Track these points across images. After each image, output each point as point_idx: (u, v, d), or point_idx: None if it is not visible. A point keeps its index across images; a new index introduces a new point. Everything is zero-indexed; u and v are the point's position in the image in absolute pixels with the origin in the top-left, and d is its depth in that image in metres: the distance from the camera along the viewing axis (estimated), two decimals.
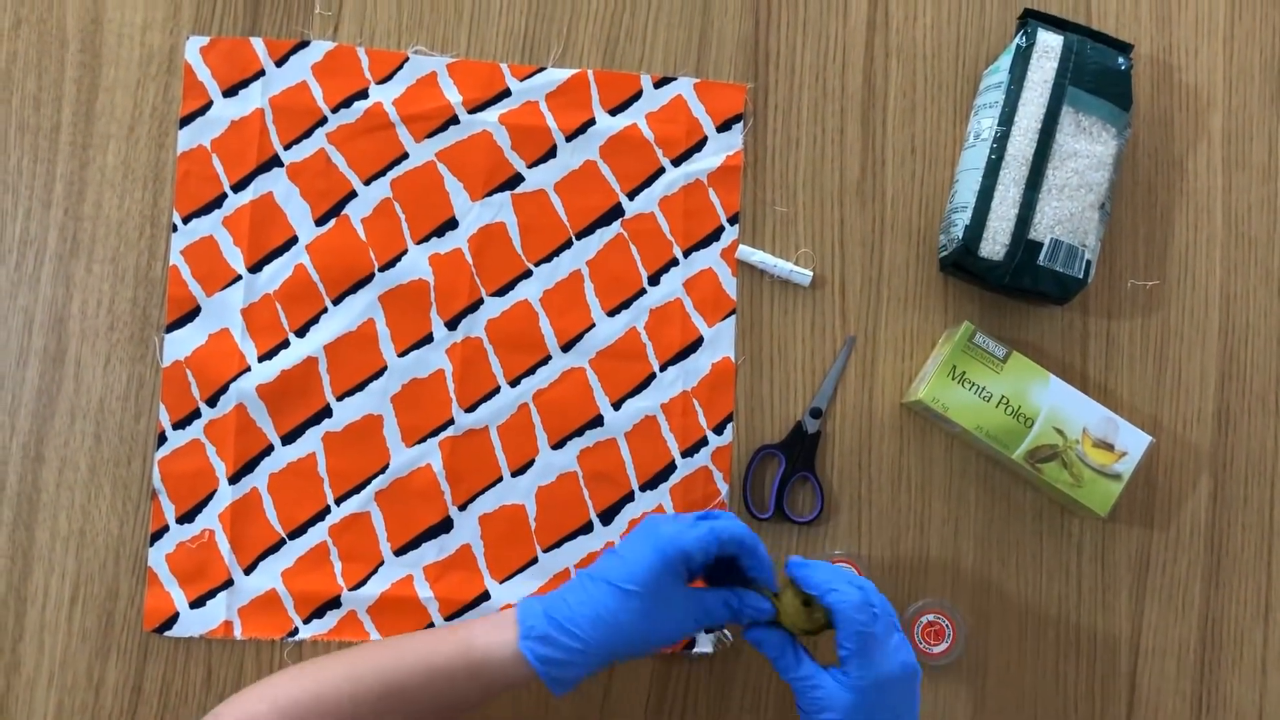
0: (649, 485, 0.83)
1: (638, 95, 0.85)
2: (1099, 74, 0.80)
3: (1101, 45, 0.81)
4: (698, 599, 0.69)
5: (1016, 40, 0.81)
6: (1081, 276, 0.80)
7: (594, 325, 0.84)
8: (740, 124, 0.85)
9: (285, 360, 0.82)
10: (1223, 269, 0.86)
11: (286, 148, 0.84)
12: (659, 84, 0.86)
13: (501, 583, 0.81)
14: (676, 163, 0.85)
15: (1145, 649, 0.83)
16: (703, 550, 0.67)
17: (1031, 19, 0.82)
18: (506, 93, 0.85)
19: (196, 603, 0.80)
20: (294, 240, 0.83)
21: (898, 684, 0.67)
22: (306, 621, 0.80)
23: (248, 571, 0.80)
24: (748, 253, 0.84)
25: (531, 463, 0.83)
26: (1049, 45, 0.80)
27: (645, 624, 0.66)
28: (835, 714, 0.66)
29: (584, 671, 0.67)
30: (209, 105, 0.83)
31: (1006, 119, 0.80)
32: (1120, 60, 0.81)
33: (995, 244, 0.79)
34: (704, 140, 0.85)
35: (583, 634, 0.66)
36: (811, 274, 0.84)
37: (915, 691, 0.68)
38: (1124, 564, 0.83)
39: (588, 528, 0.82)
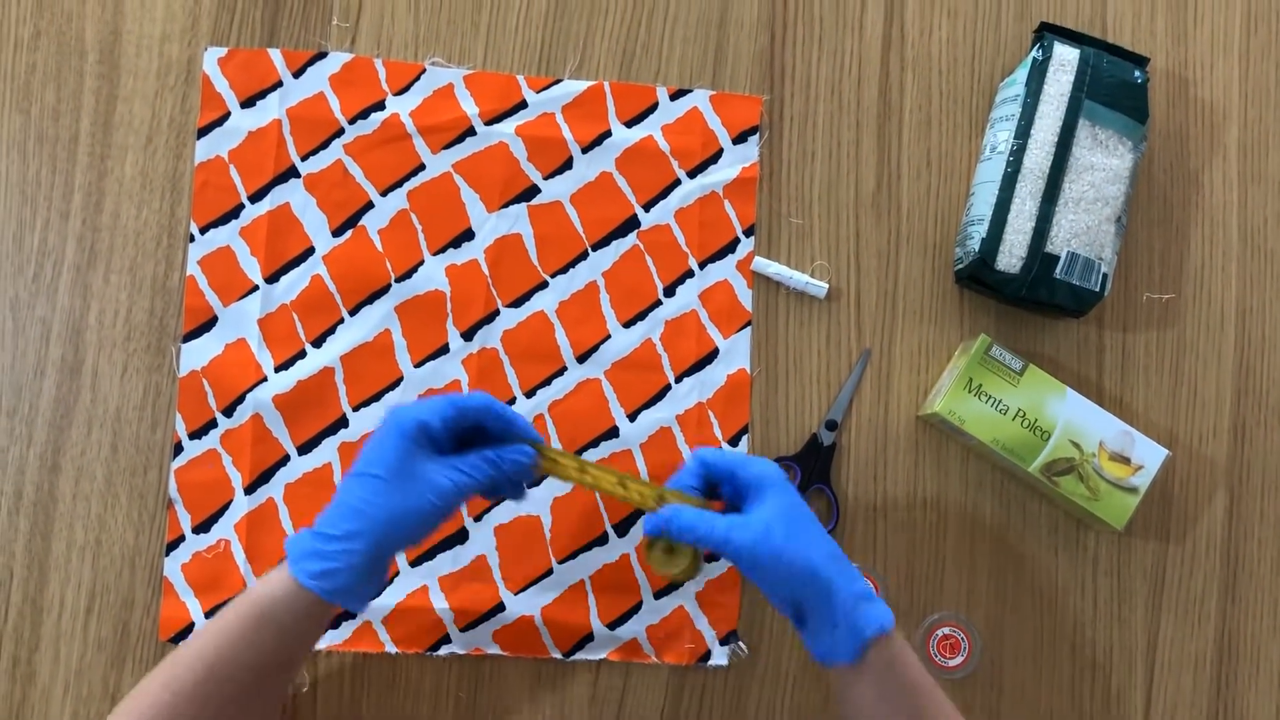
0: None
1: (654, 107, 0.86)
2: (1115, 87, 0.80)
3: (1117, 59, 0.82)
4: (452, 462, 0.67)
5: (1033, 54, 0.81)
6: (1098, 290, 0.80)
7: (609, 336, 0.84)
8: (756, 136, 0.86)
9: (302, 370, 0.82)
10: (1238, 283, 0.86)
11: (304, 158, 0.84)
12: (675, 96, 0.86)
13: (516, 594, 0.81)
14: (692, 174, 0.85)
15: (1161, 663, 0.83)
16: (437, 415, 0.67)
17: (1048, 32, 0.82)
18: (523, 104, 0.85)
19: (212, 613, 0.80)
20: (311, 251, 0.83)
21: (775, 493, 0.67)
22: None
23: None
24: (764, 264, 0.84)
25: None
26: (1065, 59, 0.80)
27: (400, 501, 0.65)
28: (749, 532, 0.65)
29: (359, 576, 0.64)
30: (226, 116, 0.84)
31: (1023, 132, 0.80)
32: (1136, 74, 0.81)
33: (1012, 257, 0.79)
34: (720, 152, 0.86)
35: (340, 532, 0.64)
36: (827, 286, 0.84)
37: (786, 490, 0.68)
38: (1140, 577, 0.83)
39: (603, 539, 0.82)
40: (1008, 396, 0.80)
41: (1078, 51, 0.80)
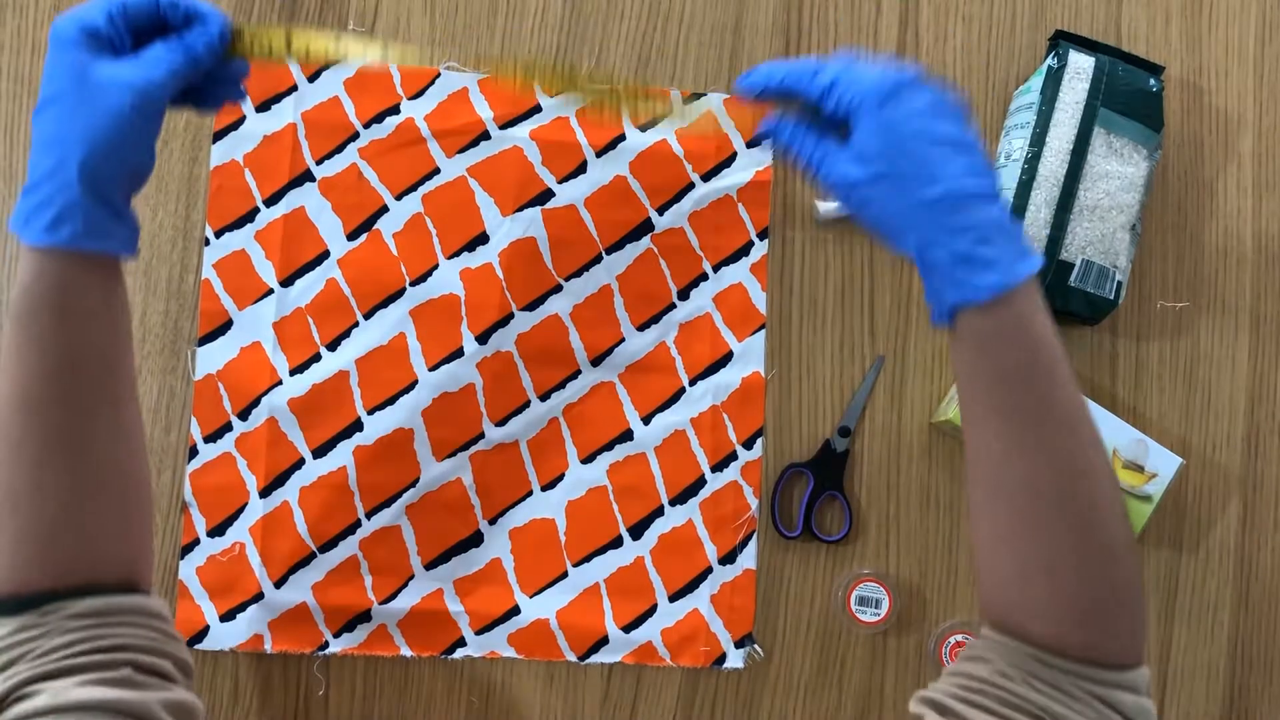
0: (678, 500, 0.83)
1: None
2: (1130, 96, 0.80)
3: (1132, 67, 0.82)
4: (135, 55, 0.56)
5: (1048, 62, 0.81)
6: (1112, 298, 0.80)
7: (624, 340, 0.84)
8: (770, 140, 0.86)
9: (317, 374, 0.82)
10: (1252, 292, 0.86)
11: (318, 162, 0.84)
12: (689, 100, 0.86)
13: (531, 597, 0.81)
14: (706, 178, 0.85)
15: (1175, 671, 0.83)
16: (101, 14, 0.55)
17: (1063, 40, 0.82)
18: (537, 108, 0.85)
19: (227, 616, 0.80)
20: (326, 254, 0.83)
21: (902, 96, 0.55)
22: (337, 635, 0.80)
23: (278, 585, 0.80)
24: (827, 208, 0.84)
25: (561, 477, 0.83)
26: (1081, 67, 0.80)
27: (89, 113, 0.54)
28: (856, 165, 0.55)
29: (92, 210, 0.54)
30: (242, 120, 0.84)
31: (1038, 140, 0.80)
32: (1151, 82, 0.81)
33: None
34: (734, 156, 0.86)
35: (44, 171, 0.54)
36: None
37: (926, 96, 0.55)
38: (1153, 586, 0.83)
39: (617, 542, 0.82)
40: None
41: (1093, 59, 0.81)
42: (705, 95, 0.86)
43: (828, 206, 0.84)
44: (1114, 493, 0.54)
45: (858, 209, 0.56)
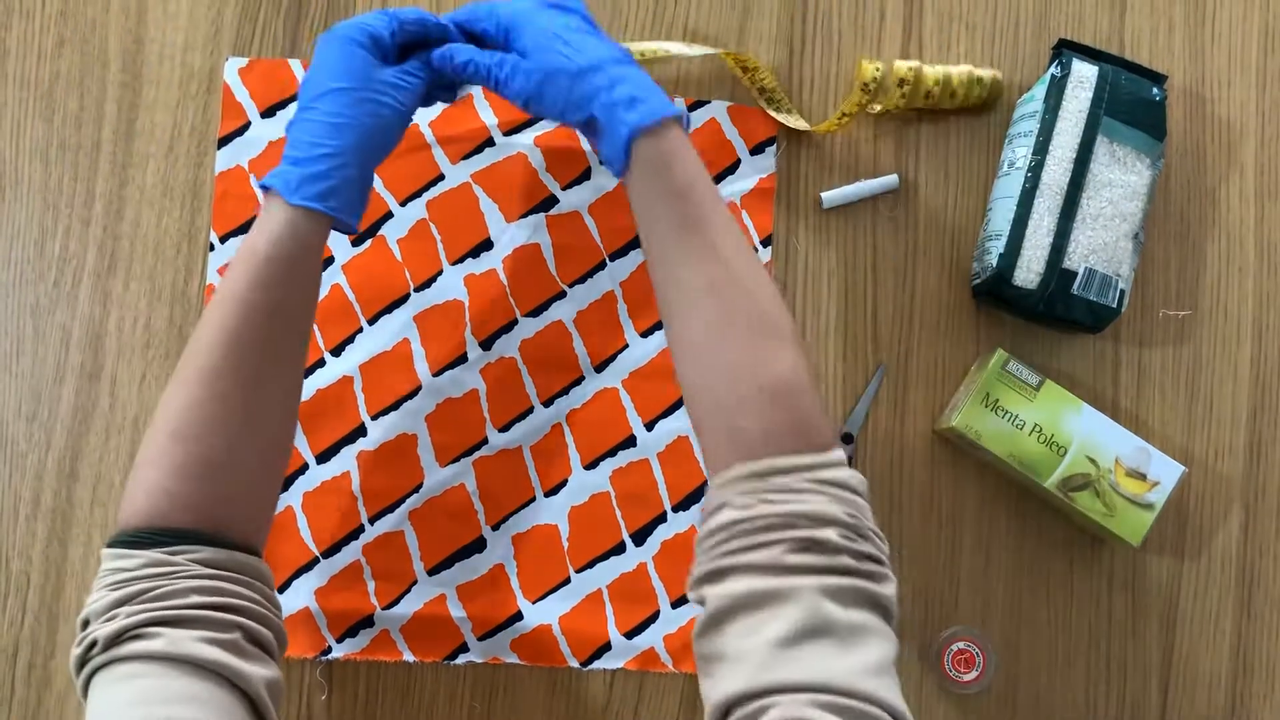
0: (681, 506, 0.83)
1: None
2: (1133, 105, 0.81)
3: (1136, 76, 0.82)
4: (402, 69, 0.69)
5: (1051, 70, 0.82)
6: (1115, 306, 0.80)
7: (627, 345, 0.84)
8: (773, 147, 0.86)
9: (321, 379, 0.82)
10: (1255, 300, 0.86)
11: None
12: (693, 107, 0.86)
13: (534, 603, 0.81)
14: None
15: (1176, 680, 0.83)
16: (383, 24, 0.69)
17: (1066, 49, 0.82)
18: None
19: None
20: (330, 260, 0.84)
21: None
22: (339, 640, 0.80)
23: (281, 590, 0.81)
24: (833, 195, 0.85)
25: (564, 483, 0.83)
26: (1084, 75, 0.81)
27: (372, 109, 0.67)
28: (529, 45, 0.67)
29: (355, 189, 0.67)
30: (247, 126, 0.84)
31: (1041, 148, 0.80)
32: (1154, 91, 0.81)
33: (1029, 272, 0.80)
34: (737, 163, 0.86)
35: (328, 150, 0.66)
36: (897, 175, 0.85)
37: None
38: (1155, 593, 0.84)
39: (620, 548, 0.82)
40: (1024, 412, 0.80)
41: (1096, 68, 0.81)
42: (709, 103, 0.86)
43: (831, 195, 0.85)
44: (774, 287, 0.64)
45: (536, 99, 0.68)
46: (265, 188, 0.67)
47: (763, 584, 0.56)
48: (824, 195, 0.85)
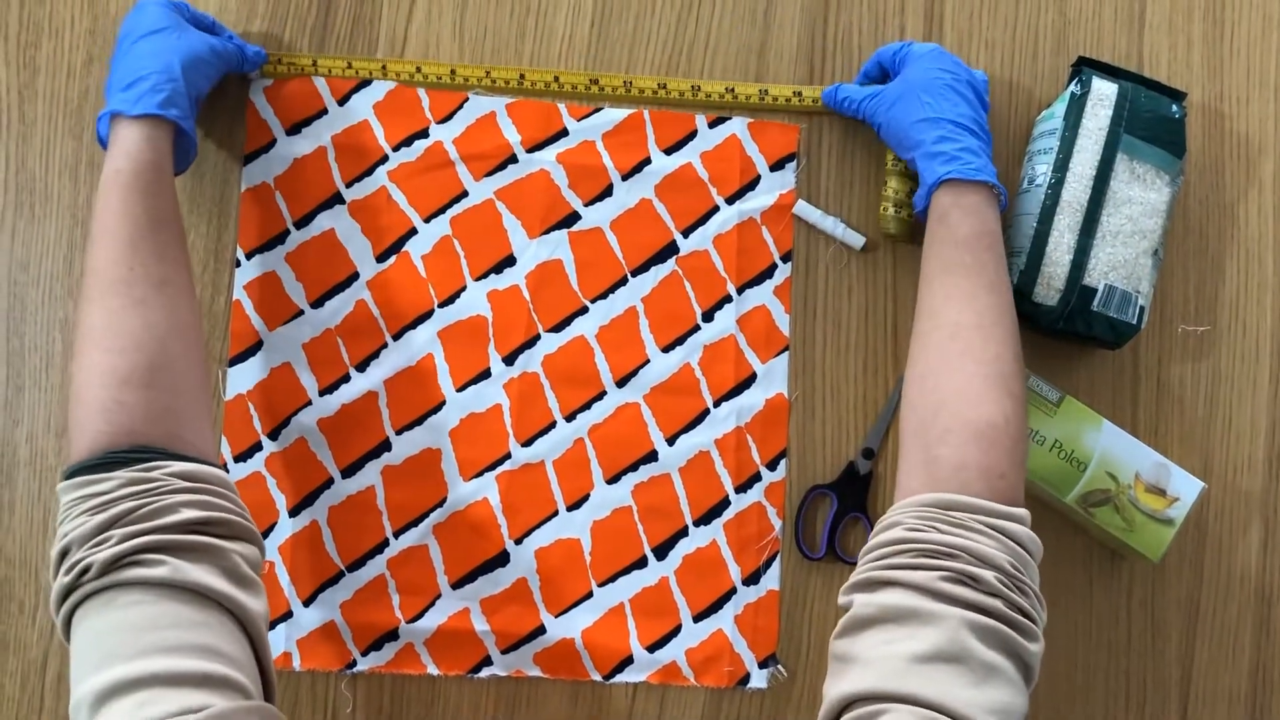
0: (702, 520, 0.83)
1: (692, 135, 0.87)
2: (1153, 122, 0.81)
3: (1155, 93, 0.82)
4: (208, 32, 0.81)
5: (1071, 88, 0.82)
6: (1135, 322, 0.81)
7: (648, 361, 0.85)
8: (794, 163, 0.87)
9: (346, 394, 0.83)
10: (1274, 316, 0.86)
11: (348, 185, 0.85)
12: (713, 124, 0.87)
13: (557, 616, 0.82)
14: (730, 201, 0.86)
15: (1196, 696, 0.83)
16: (180, 3, 0.80)
17: (1086, 67, 0.83)
18: (564, 132, 0.86)
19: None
20: (355, 276, 0.84)
21: (945, 54, 0.79)
22: (364, 654, 0.81)
23: (307, 603, 0.81)
24: (806, 209, 0.85)
25: (587, 497, 0.84)
26: (1104, 93, 0.81)
27: (187, 41, 0.76)
28: (898, 90, 0.78)
29: (186, 100, 0.74)
30: (273, 143, 0.85)
31: (1061, 165, 0.80)
32: (1174, 108, 0.82)
33: (1050, 289, 0.80)
34: (757, 179, 0.87)
35: (152, 65, 0.73)
36: (864, 239, 0.85)
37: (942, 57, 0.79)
38: (1174, 609, 0.84)
39: (642, 562, 0.83)
40: (1045, 427, 0.81)
41: (1116, 86, 0.81)
42: (730, 119, 0.87)
43: (804, 209, 0.86)
44: (1017, 352, 0.70)
45: (887, 120, 0.79)
46: (108, 116, 0.72)
47: (912, 601, 0.59)
48: (798, 204, 0.86)
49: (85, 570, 0.58)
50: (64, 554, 0.60)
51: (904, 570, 0.60)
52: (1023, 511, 0.64)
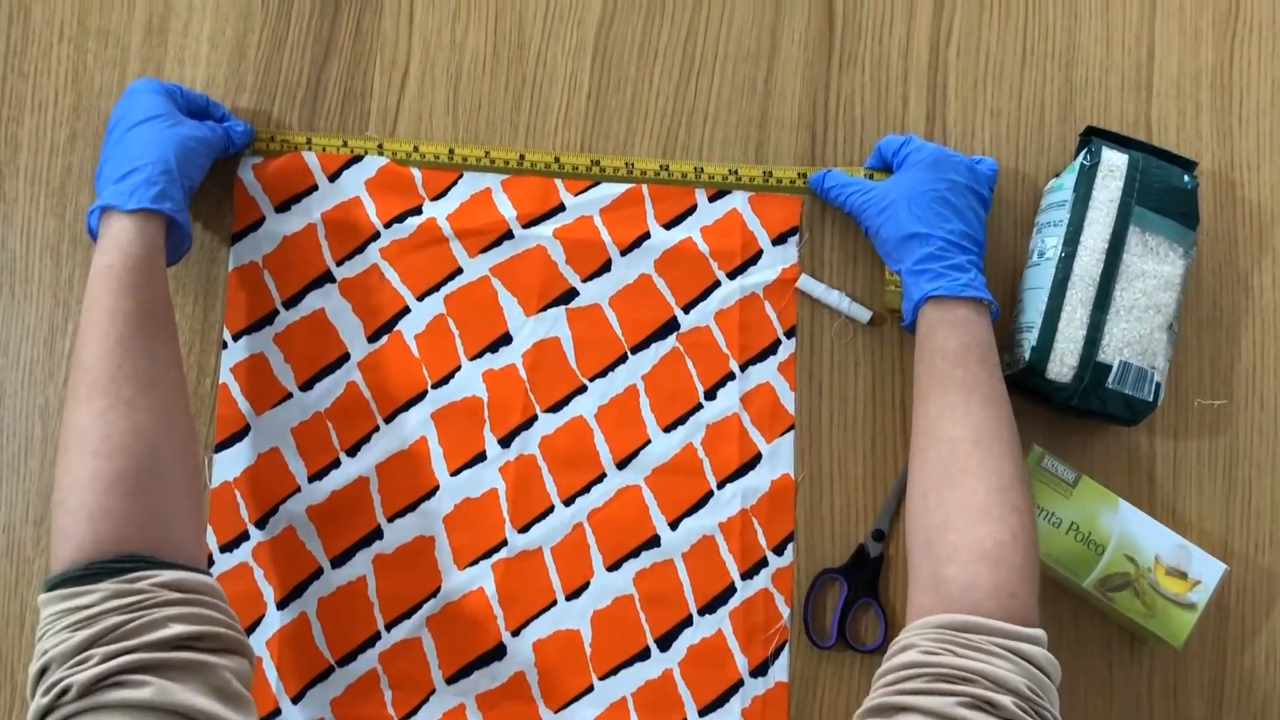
0: (707, 609, 0.80)
1: (692, 209, 0.85)
2: (1165, 193, 0.79)
3: (1165, 163, 0.80)
4: (200, 122, 0.79)
5: (1080, 159, 0.80)
6: (1151, 400, 0.78)
7: (649, 441, 0.82)
8: (796, 237, 0.84)
9: (336, 480, 0.80)
10: None
11: (339, 263, 0.83)
12: (713, 198, 0.85)
13: (556, 712, 0.79)
14: (732, 276, 0.84)
15: None
16: (171, 85, 0.79)
17: (1095, 137, 0.81)
18: (561, 208, 0.84)
19: None
20: (346, 357, 0.82)
21: (946, 159, 0.77)
22: None
23: (296, 700, 0.78)
24: (809, 284, 0.83)
25: (586, 585, 0.80)
26: (1114, 164, 0.79)
27: (183, 131, 0.75)
28: (889, 197, 0.77)
29: (180, 192, 0.73)
30: (261, 221, 0.83)
31: (1072, 239, 0.78)
32: (1185, 178, 0.80)
33: (1063, 365, 0.78)
34: (759, 253, 0.84)
35: (146, 156, 0.72)
36: (871, 313, 0.83)
37: (960, 166, 0.77)
38: (1197, 695, 0.81)
39: (645, 654, 0.80)
40: (1061, 509, 0.78)
41: (1126, 156, 0.79)
42: (730, 193, 0.85)
43: (808, 284, 0.84)
44: (1018, 464, 0.69)
45: (874, 227, 0.78)
46: (99, 211, 0.71)
47: None
48: (802, 279, 0.83)
49: (65, 691, 0.55)
50: (43, 672, 0.57)
51: (920, 696, 0.58)
52: (1038, 632, 0.62)
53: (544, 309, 0.83)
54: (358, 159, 0.84)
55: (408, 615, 0.79)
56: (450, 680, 0.79)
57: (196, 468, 0.69)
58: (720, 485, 0.82)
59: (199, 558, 0.65)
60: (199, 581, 0.61)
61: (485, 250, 0.83)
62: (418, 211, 0.83)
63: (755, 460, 0.82)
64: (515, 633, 0.79)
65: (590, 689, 0.79)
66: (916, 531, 0.69)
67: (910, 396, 0.83)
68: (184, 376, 0.71)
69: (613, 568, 0.81)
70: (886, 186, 0.78)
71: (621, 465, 0.82)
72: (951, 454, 0.69)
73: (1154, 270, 0.79)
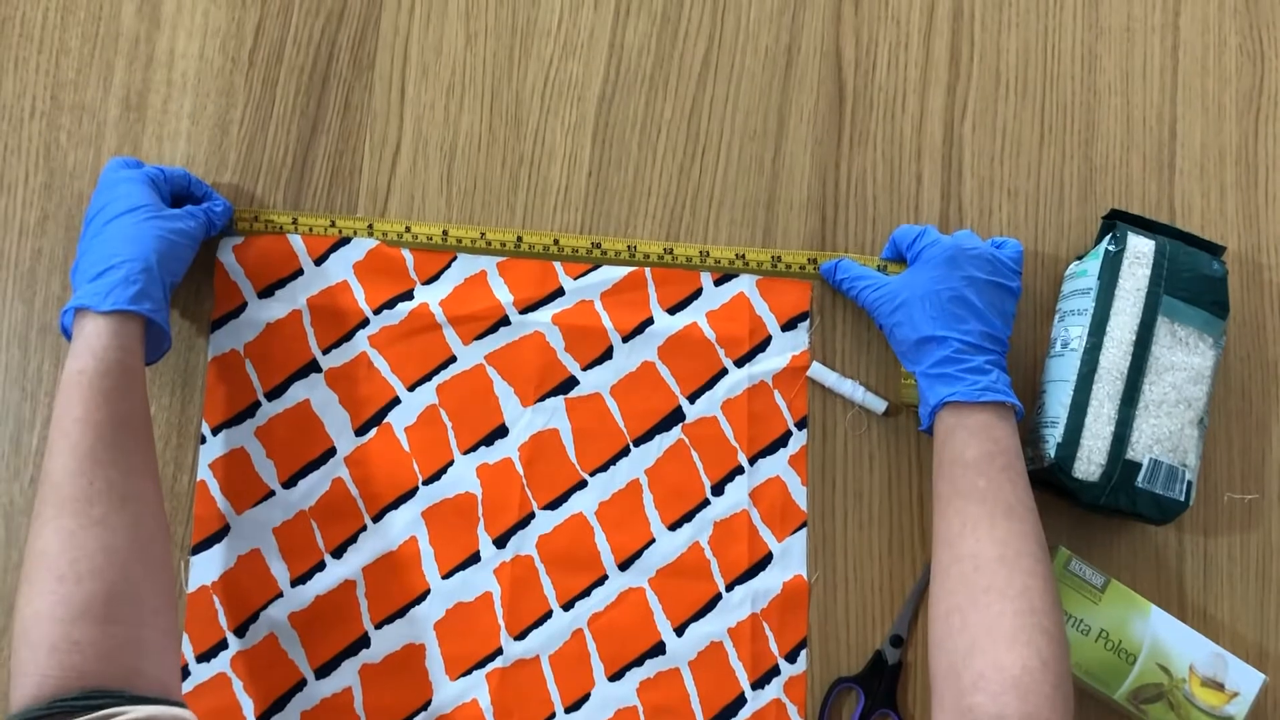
0: None
1: (697, 293, 0.81)
2: (1194, 281, 0.75)
3: (1193, 249, 0.77)
4: (183, 209, 0.74)
5: (1105, 245, 0.76)
6: (1183, 499, 0.74)
7: (654, 540, 0.78)
8: (806, 322, 0.80)
9: (320, 584, 0.76)
10: None
11: (325, 351, 0.78)
12: (719, 281, 0.81)
13: None
14: (740, 363, 0.80)
15: None
16: (152, 170, 0.74)
17: (1120, 222, 0.77)
18: (560, 292, 0.80)
19: None
20: (332, 452, 0.77)
21: (964, 255, 0.72)
22: None
23: None
24: (822, 372, 0.79)
25: (587, 697, 0.75)
26: (1140, 251, 0.76)
27: (164, 224, 0.70)
28: (901, 295, 0.73)
29: (160, 292, 0.68)
30: (243, 307, 0.78)
31: (1097, 329, 0.75)
32: (1214, 265, 0.76)
33: (1090, 464, 0.74)
34: (768, 339, 0.80)
35: (128, 253, 0.67)
36: (886, 404, 0.79)
37: (986, 257, 0.73)
38: None
39: None
40: (1089, 616, 0.74)
41: (1153, 243, 0.76)
42: (737, 276, 0.81)
43: (820, 372, 0.80)
44: (1048, 581, 0.65)
45: (888, 326, 0.75)
46: (73, 311, 0.66)
47: None
48: (813, 367, 0.80)
49: None
50: None
51: None
52: None
53: (542, 399, 0.79)
54: (345, 241, 0.79)
55: None
56: None
57: (172, 583, 0.64)
58: (729, 587, 0.77)
59: (174, 686, 0.61)
60: (173, 716, 0.57)
61: (480, 337, 0.79)
62: (409, 296, 0.79)
63: (766, 560, 0.78)
64: None
65: None
66: (940, 655, 0.65)
67: (929, 491, 0.79)
68: (159, 484, 0.66)
69: (615, 677, 0.76)
70: (900, 283, 0.74)
71: (624, 566, 0.77)
72: (975, 571, 0.65)
73: (1184, 362, 0.75)
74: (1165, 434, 0.74)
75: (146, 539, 0.62)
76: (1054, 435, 0.75)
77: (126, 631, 0.59)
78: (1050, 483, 0.76)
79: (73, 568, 0.59)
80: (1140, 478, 0.74)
